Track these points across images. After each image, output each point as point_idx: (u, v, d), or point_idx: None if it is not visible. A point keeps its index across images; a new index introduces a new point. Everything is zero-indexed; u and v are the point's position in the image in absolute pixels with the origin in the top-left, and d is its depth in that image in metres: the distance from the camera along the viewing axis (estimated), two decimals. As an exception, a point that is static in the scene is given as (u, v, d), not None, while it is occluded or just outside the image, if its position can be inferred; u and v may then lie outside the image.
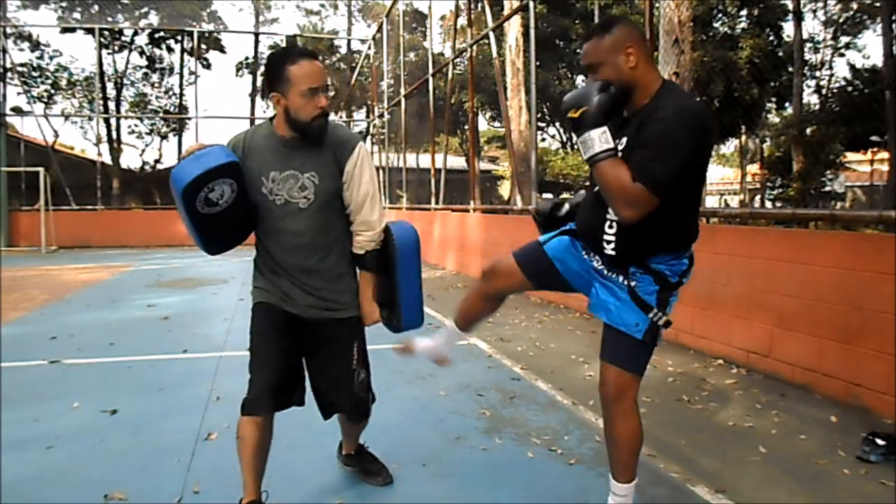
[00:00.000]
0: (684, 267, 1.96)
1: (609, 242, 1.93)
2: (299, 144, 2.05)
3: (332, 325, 2.17)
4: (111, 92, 23.87)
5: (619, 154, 1.83)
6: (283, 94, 1.98)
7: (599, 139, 1.80)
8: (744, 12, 17.05)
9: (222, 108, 50.86)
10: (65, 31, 22.93)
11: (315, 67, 1.98)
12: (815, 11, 18.15)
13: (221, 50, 25.68)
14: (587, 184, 2.13)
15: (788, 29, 16.84)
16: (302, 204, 2.07)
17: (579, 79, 22.50)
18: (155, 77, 24.62)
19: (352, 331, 2.22)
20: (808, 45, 17.18)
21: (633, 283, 1.93)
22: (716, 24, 17.11)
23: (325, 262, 2.13)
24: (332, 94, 2.05)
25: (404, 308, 2.21)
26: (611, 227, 1.92)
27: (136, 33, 23.80)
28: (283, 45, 21.64)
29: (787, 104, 17.98)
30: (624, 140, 1.85)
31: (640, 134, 1.80)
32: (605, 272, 1.99)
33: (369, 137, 19.99)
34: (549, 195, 26.84)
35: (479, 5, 16.07)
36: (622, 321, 1.94)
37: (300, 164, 2.05)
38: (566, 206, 2.25)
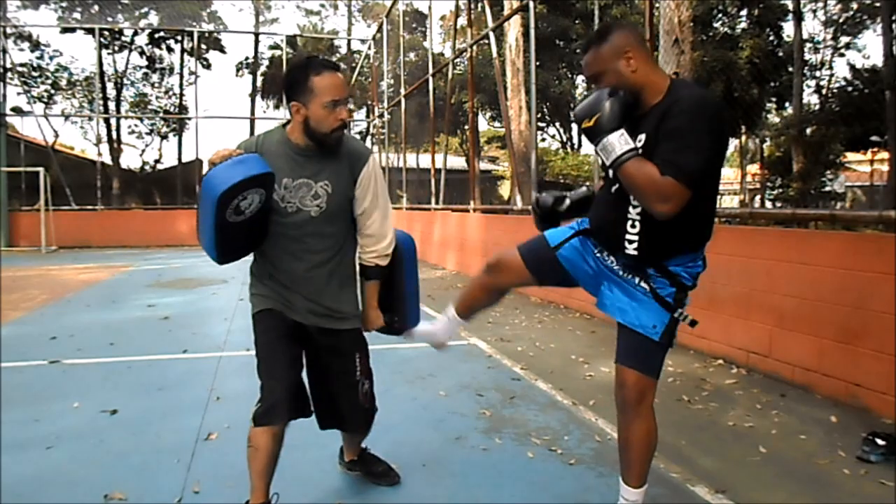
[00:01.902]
0: (699, 269, 1.96)
1: (631, 242, 1.91)
2: (313, 153, 2.05)
3: (334, 336, 2.17)
4: (111, 92, 23.89)
5: (640, 152, 1.81)
6: (305, 104, 1.97)
7: (619, 142, 1.79)
8: (744, 12, 17.04)
9: (222, 108, 50.89)
10: (65, 31, 22.94)
11: (338, 80, 1.98)
12: (815, 11, 18.14)
13: (221, 50, 25.70)
14: (601, 182, 2.12)
15: (788, 29, 16.85)
16: (314, 212, 2.06)
17: (579, 78, 22.51)
18: (155, 77, 24.65)
19: (354, 341, 2.22)
20: (808, 45, 17.16)
21: (652, 285, 1.92)
22: (716, 24, 17.10)
23: (332, 271, 2.13)
24: (351, 106, 2.09)
25: (409, 309, 2.29)
26: (633, 226, 1.90)
27: (136, 33, 23.81)
28: (284, 45, 21.66)
29: (787, 104, 17.97)
30: (642, 136, 1.83)
31: (663, 126, 1.78)
32: (621, 273, 1.98)
33: (369, 137, 20.00)
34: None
35: (479, 5, 16.07)
36: (639, 322, 1.92)
37: (314, 172, 2.05)
38: (567, 202, 2.24)
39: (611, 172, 1.92)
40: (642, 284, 1.93)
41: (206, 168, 1.94)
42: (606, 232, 2.01)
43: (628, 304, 1.95)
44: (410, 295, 2.30)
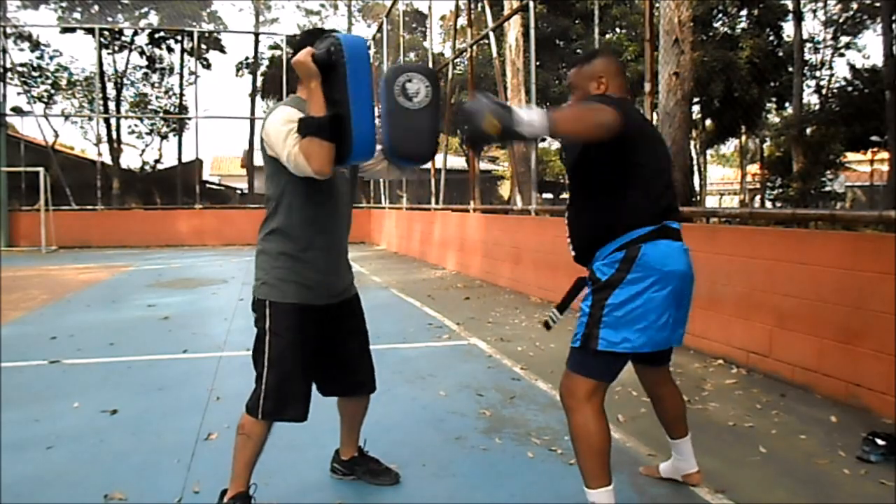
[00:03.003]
0: (618, 257, 1.99)
1: (570, 244, 2.17)
2: None
3: (344, 305, 2.25)
4: (111, 92, 23.86)
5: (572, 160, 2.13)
6: None
7: (529, 114, 1.69)
8: (744, 12, 17.04)
9: (222, 108, 51.02)
10: (65, 31, 22.92)
11: None
12: (815, 11, 18.15)
13: (221, 50, 25.67)
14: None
15: (788, 29, 16.85)
16: (347, 174, 2.18)
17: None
18: (155, 77, 24.61)
19: (359, 304, 2.34)
20: (808, 45, 17.17)
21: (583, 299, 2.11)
22: (716, 24, 17.10)
23: (348, 232, 2.24)
24: None
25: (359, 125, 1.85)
26: (569, 227, 2.18)
27: (136, 33, 23.78)
28: (284, 45, 21.65)
29: (787, 104, 17.98)
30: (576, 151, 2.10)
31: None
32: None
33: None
34: (549, 195, 26.85)
35: (479, 5, 16.07)
36: (573, 339, 2.09)
37: None
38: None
39: (567, 175, 2.17)
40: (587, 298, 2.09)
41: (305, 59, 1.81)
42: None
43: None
44: (358, 103, 1.83)
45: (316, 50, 1.88)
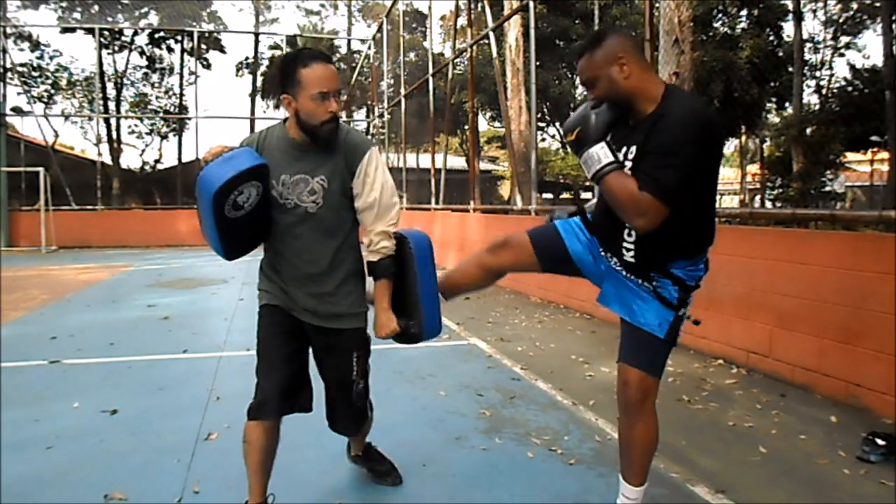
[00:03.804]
0: (701, 273, 1.97)
1: (629, 250, 1.93)
2: (310, 147, 2.02)
3: (331, 334, 2.13)
4: (111, 92, 23.88)
5: (629, 163, 1.82)
6: (294, 96, 1.95)
7: (599, 154, 1.81)
8: (744, 12, 17.05)
9: (222, 108, 50.99)
10: (65, 31, 22.94)
11: (328, 71, 1.94)
12: (815, 11, 18.16)
13: (221, 50, 25.69)
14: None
15: (788, 29, 16.86)
16: (311, 208, 2.03)
17: (579, 79, 22.47)
18: (155, 77, 24.64)
19: (352, 340, 2.15)
20: (808, 45, 17.19)
21: (654, 285, 1.94)
22: (716, 24, 17.10)
23: (330, 268, 2.08)
24: (344, 97, 2.04)
25: (426, 314, 2.11)
26: (629, 234, 1.91)
27: (136, 33, 23.81)
28: (284, 45, 21.65)
29: (787, 104, 17.99)
30: (634, 148, 1.84)
31: (648, 142, 1.79)
32: (624, 273, 1.99)
33: (370, 137, 19.99)
34: (549, 195, 26.87)
35: (479, 5, 16.08)
36: (644, 320, 1.94)
37: (311, 168, 2.02)
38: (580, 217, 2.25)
39: None
40: (645, 284, 1.95)
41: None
42: (606, 237, 2.03)
43: (633, 302, 1.96)
44: (427, 296, 2.11)
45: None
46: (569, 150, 23.99)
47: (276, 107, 25.70)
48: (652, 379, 1.96)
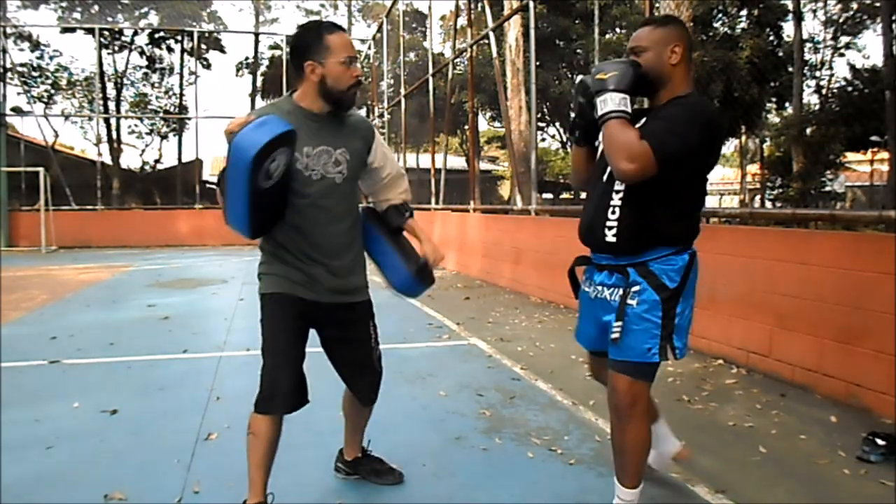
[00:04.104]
0: (680, 264, 1.96)
1: (611, 229, 1.96)
2: (325, 119, 2.06)
3: (348, 309, 2.18)
4: (111, 92, 23.89)
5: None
6: (321, 62, 1.98)
7: (616, 101, 1.88)
8: (744, 12, 17.04)
9: (222, 108, 50.95)
10: (65, 31, 22.95)
11: (349, 39, 2.05)
12: (815, 11, 18.16)
13: (221, 50, 25.71)
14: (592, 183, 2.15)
15: (788, 29, 16.85)
16: (337, 179, 2.07)
17: (579, 79, 22.47)
18: (155, 77, 24.65)
19: (366, 311, 2.25)
20: (808, 45, 17.18)
21: (635, 302, 1.93)
22: (716, 24, 17.10)
23: (348, 240, 2.14)
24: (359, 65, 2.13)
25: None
26: (613, 212, 1.96)
27: (136, 33, 23.81)
28: (284, 44, 21.66)
29: (787, 104, 17.98)
30: (644, 120, 1.95)
31: (659, 115, 1.93)
32: (609, 296, 2.01)
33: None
34: (549, 195, 26.86)
35: (479, 5, 16.07)
36: (633, 352, 1.94)
37: (330, 139, 2.06)
38: None
39: (599, 151, 2.06)
40: (629, 301, 1.94)
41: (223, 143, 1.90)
42: (590, 225, 2.05)
43: (619, 331, 1.94)
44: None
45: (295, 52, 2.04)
46: (569, 149, 24.01)
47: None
48: (640, 384, 1.98)
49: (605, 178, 2.01)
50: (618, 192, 1.96)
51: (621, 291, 1.97)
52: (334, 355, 2.25)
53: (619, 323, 1.93)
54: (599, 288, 2.07)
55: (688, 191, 1.96)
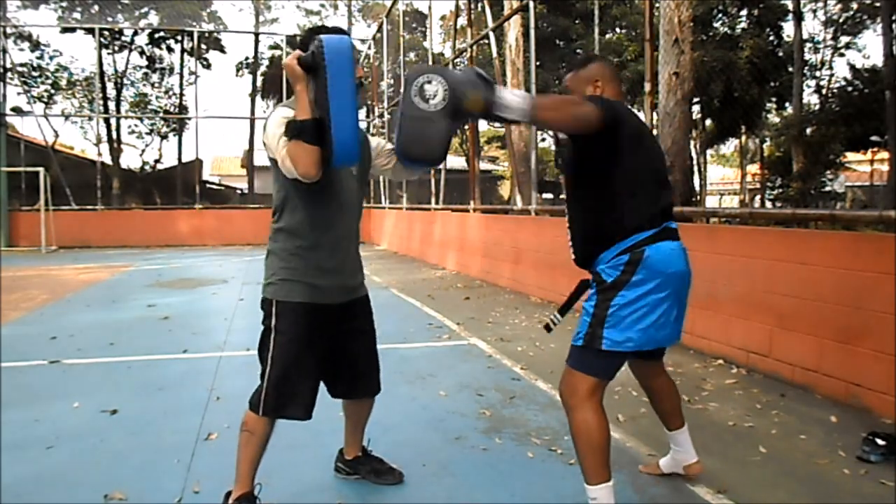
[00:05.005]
0: (623, 261, 2.01)
1: (571, 249, 2.20)
2: None
3: (355, 304, 2.25)
4: (111, 92, 23.86)
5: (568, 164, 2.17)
6: None
7: (512, 96, 1.82)
8: (744, 12, 17.03)
9: (222, 108, 51.05)
10: (65, 31, 22.93)
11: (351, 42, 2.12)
12: (815, 11, 18.14)
13: (221, 50, 25.68)
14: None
15: (788, 29, 16.83)
16: (354, 170, 2.16)
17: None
18: (155, 77, 24.62)
19: (368, 304, 2.34)
20: (808, 45, 17.16)
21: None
22: (716, 24, 17.10)
23: (357, 233, 2.24)
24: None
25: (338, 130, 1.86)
26: (569, 234, 2.20)
27: (136, 33, 23.79)
28: (284, 44, 21.66)
29: (787, 104, 17.96)
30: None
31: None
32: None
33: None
34: (549, 195, 26.86)
35: (479, 5, 16.07)
36: (573, 339, 2.12)
37: None
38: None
39: (562, 179, 2.24)
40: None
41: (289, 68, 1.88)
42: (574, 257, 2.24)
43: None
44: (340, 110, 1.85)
45: (305, 52, 1.92)
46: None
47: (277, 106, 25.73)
48: (578, 374, 2.07)
49: (567, 199, 2.22)
50: (567, 215, 2.22)
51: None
52: (348, 350, 2.27)
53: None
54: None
55: (623, 196, 2.02)
